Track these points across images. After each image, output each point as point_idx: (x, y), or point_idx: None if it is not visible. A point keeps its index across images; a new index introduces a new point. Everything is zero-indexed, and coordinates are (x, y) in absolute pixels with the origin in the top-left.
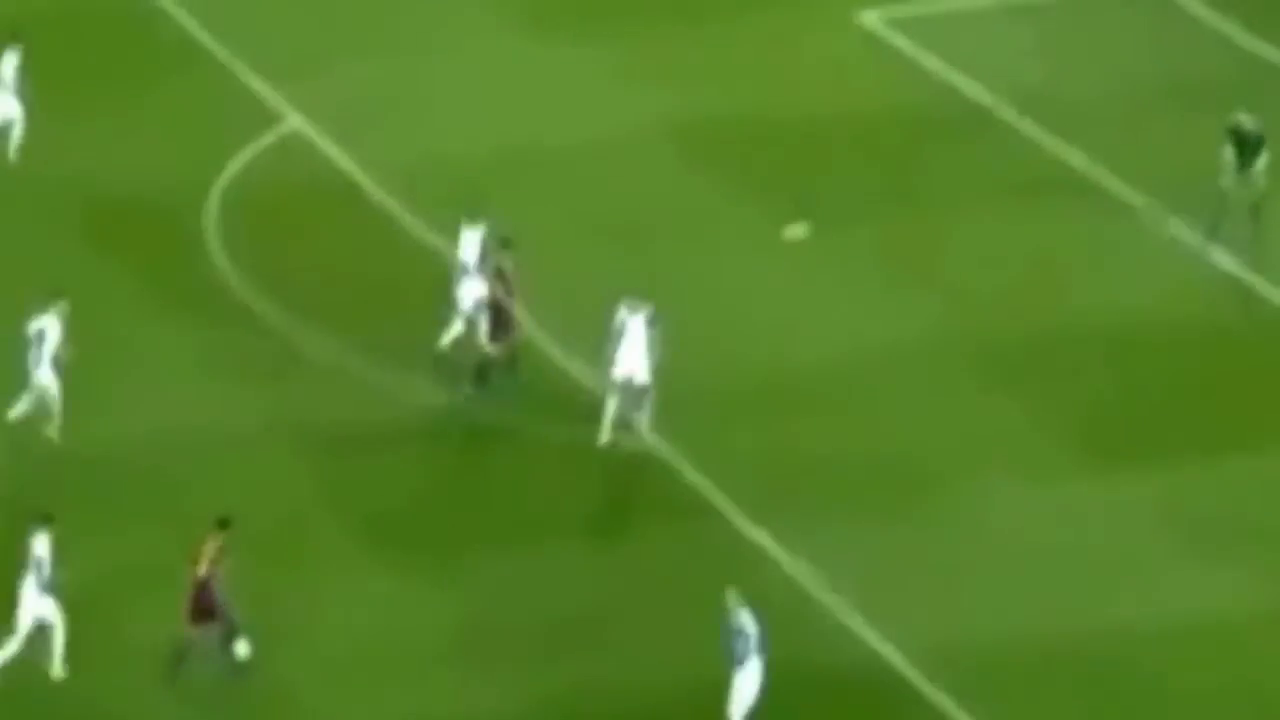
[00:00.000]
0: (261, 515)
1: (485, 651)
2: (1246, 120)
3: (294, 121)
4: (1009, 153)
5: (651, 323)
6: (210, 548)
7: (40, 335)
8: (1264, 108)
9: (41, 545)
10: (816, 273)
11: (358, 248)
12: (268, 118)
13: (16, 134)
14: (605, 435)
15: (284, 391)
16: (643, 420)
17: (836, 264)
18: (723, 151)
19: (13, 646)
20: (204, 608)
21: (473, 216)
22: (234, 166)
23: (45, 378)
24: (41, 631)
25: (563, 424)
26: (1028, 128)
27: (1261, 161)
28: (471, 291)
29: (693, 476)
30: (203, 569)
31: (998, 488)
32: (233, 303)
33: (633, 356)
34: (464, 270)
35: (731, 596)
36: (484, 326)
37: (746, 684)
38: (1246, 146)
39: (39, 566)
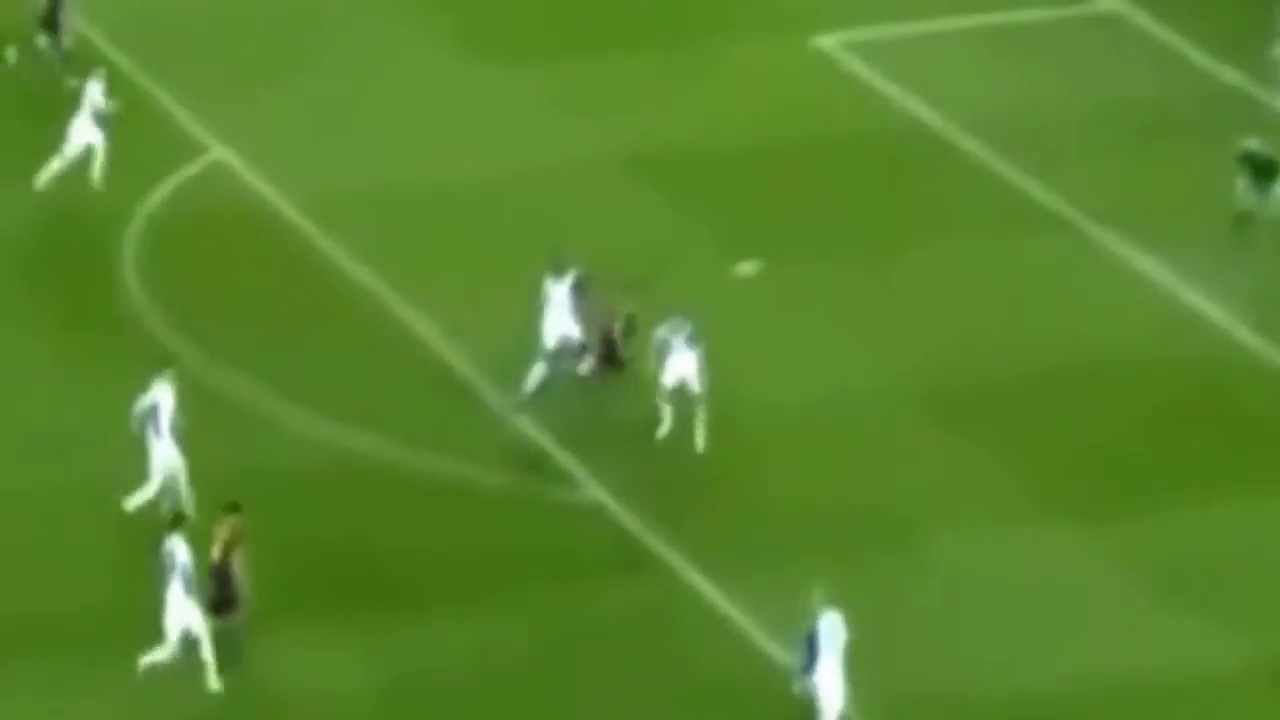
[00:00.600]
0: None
1: (416, 712)
2: (1256, 144)
3: (218, 151)
4: (969, 183)
5: (693, 341)
6: (224, 532)
7: (153, 410)
8: (1226, 134)
9: (179, 548)
10: (768, 311)
11: (281, 281)
12: (191, 147)
13: (99, 162)
14: (664, 429)
15: (197, 433)
16: (699, 431)
17: (790, 302)
18: (671, 183)
19: (164, 653)
20: (225, 596)
21: (559, 269)
22: (155, 198)
23: (168, 455)
24: (189, 641)
25: (504, 473)
26: (987, 156)
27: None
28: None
29: (637, 527)
30: (217, 555)
31: (961, 535)
32: (148, 339)
33: (682, 367)
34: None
35: (816, 595)
36: (590, 359)
37: (827, 687)
38: (1261, 171)
39: (181, 571)
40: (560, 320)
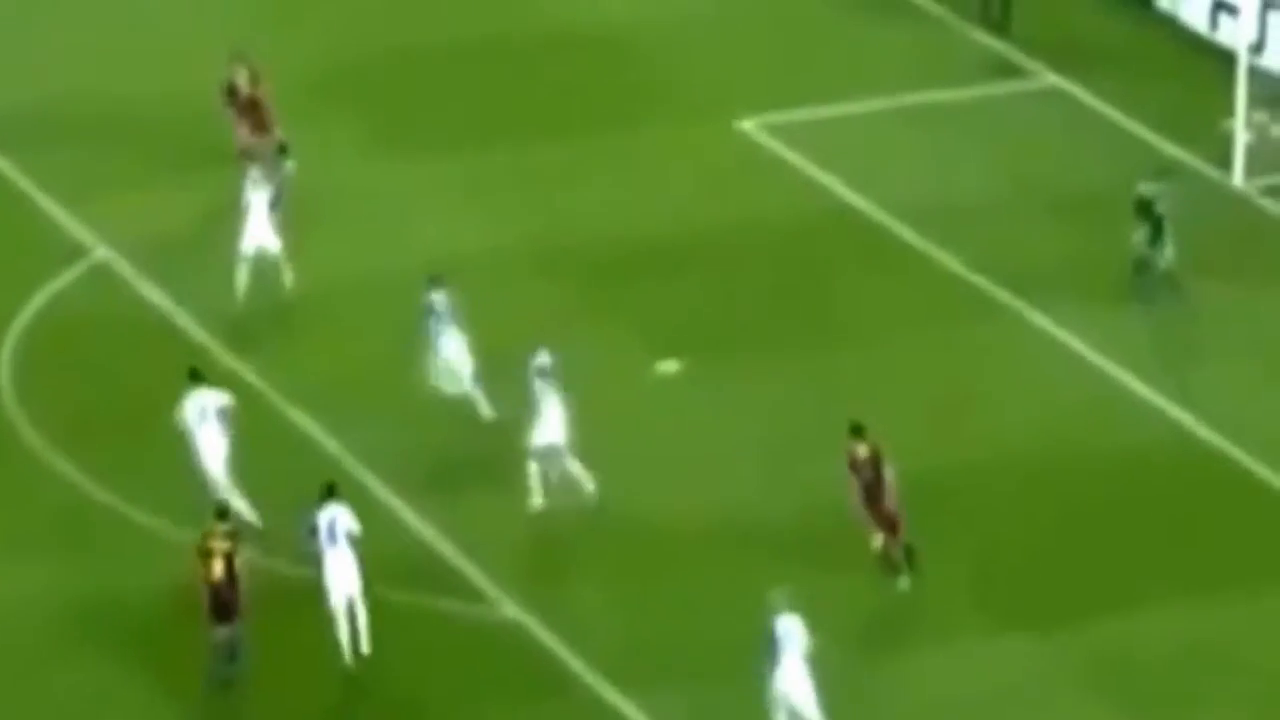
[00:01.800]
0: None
1: None
2: (1152, 189)
3: (101, 253)
4: (899, 269)
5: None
6: (218, 543)
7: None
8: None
9: (340, 516)
10: (690, 411)
11: (171, 392)
12: (72, 250)
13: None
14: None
15: (81, 558)
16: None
17: (713, 400)
18: (590, 276)
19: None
20: (223, 603)
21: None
22: (33, 305)
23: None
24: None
25: (411, 589)
26: (917, 241)
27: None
28: None
29: (549, 641)
30: (221, 570)
31: (905, 650)
32: (25, 458)
33: (553, 420)
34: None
35: (775, 597)
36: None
37: (796, 687)
38: (1155, 219)
39: (339, 536)
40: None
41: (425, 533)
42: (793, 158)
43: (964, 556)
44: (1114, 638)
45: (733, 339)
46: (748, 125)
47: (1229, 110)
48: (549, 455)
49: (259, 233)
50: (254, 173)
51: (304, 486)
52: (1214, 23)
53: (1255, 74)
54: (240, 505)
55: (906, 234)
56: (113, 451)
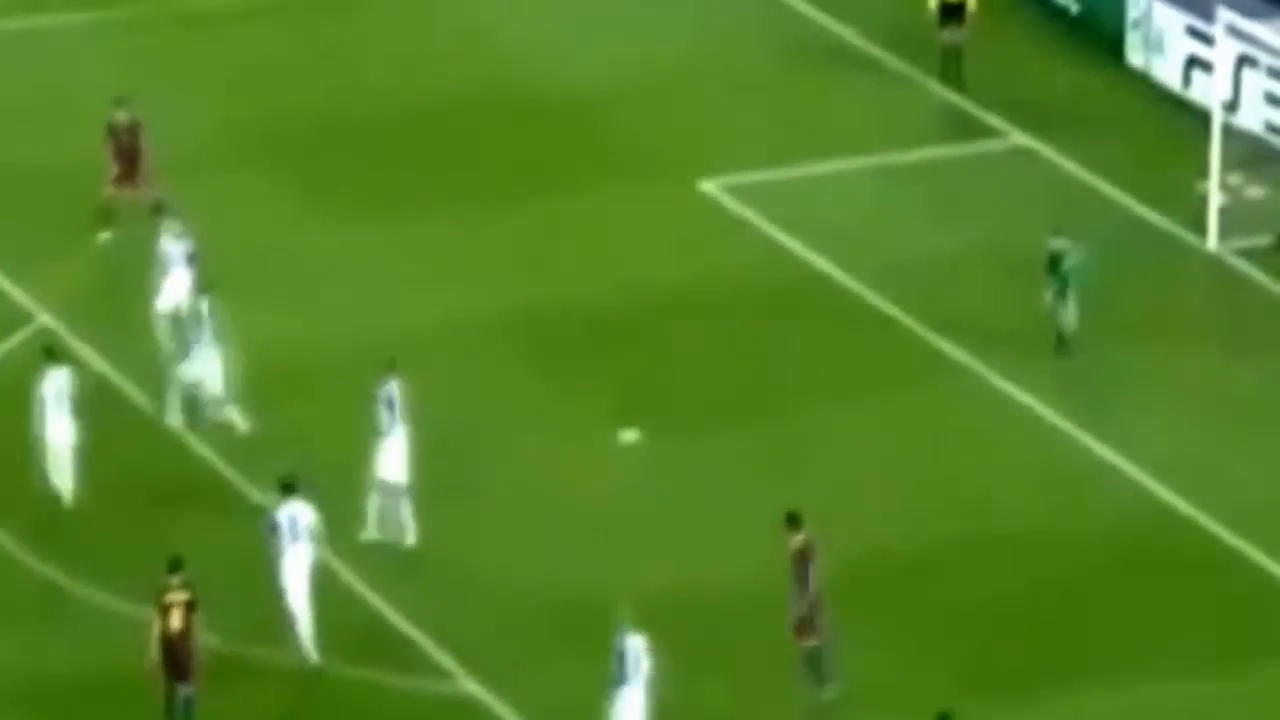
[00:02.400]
0: None
1: None
2: (1062, 244)
3: (44, 319)
4: (865, 332)
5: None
6: (174, 595)
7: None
8: (1141, 272)
9: (301, 513)
10: (652, 480)
11: (117, 458)
12: (14, 317)
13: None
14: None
15: (35, 638)
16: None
17: (674, 469)
18: (549, 341)
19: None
20: (178, 659)
21: None
22: None
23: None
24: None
25: (367, 664)
26: (885, 305)
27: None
28: None
29: (508, 717)
30: (174, 619)
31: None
32: None
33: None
34: None
35: (623, 610)
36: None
37: (627, 709)
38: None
39: (300, 533)
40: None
41: (382, 606)
42: (755, 219)
43: (927, 630)
44: (1085, 713)
45: (696, 405)
46: (709, 186)
47: (1203, 170)
48: (388, 492)
49: (178, 289)
50: (172, 226)
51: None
52: (1187, 80)
53: (1230, 133)
54: (63, 486)
55: (870, 296)
56: (54, 522)
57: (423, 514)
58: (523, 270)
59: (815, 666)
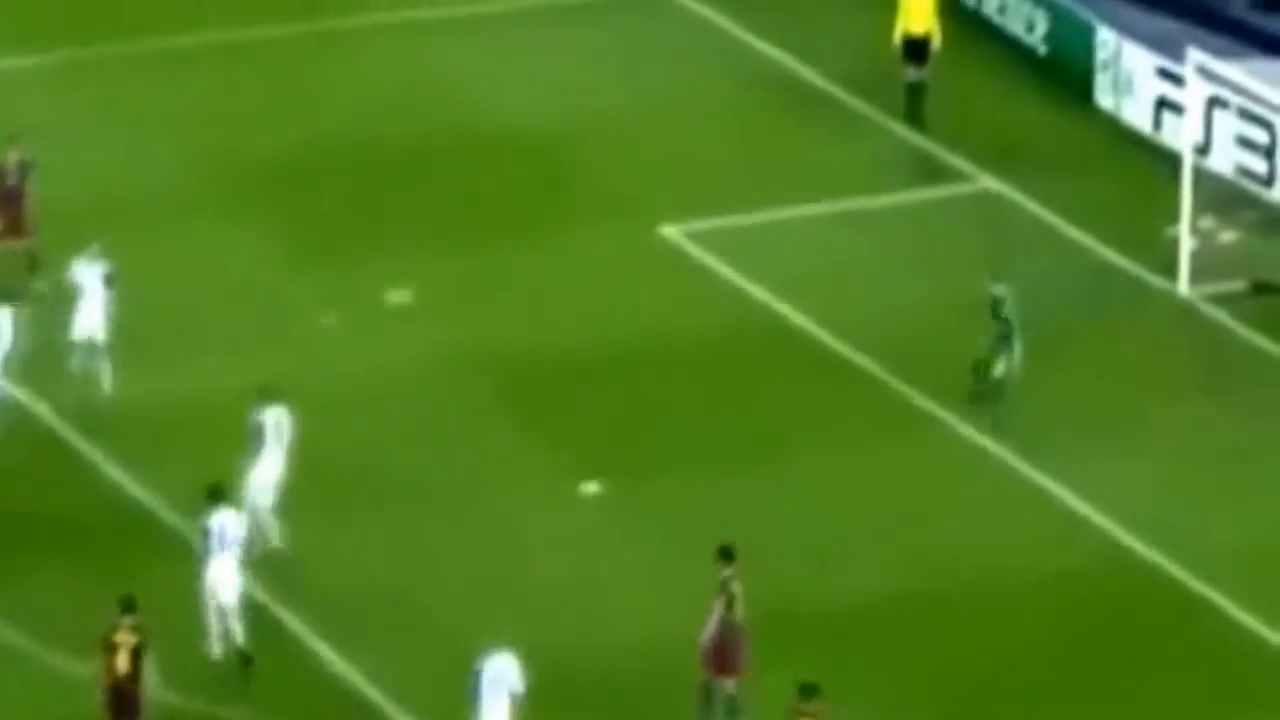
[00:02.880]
0: None
1: None
2: (998, 289)
3: None
4: (831, 381)
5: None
6: (123, 636)
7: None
8: (1110, 317)
9: (229, 523)
10: (613, 533)
11: (58, 509)
12: None
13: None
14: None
15: None
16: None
17: (635, 521)
18: (510, 391)
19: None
20: (125, 701)
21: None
22: None
23: None
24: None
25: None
26: (850, 353)
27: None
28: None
29: None
30: (121, 661)
31: None
32: None
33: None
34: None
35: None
36: None
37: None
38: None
39: (227, 543)
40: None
41: (349, 674)
42: (717, 265)
43: (914, 684)
44: None
45: (656, 455)
46: (671, 231)
47: (1174, 214)
48: (256, 511)
49: (92, 318)
50: (89, 249)
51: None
52: (1157, 122)
53: (1201, 176)
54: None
55: (835, 344)
56: None
57: (381, 559)
58: (481, 315)
59: (728, 703)
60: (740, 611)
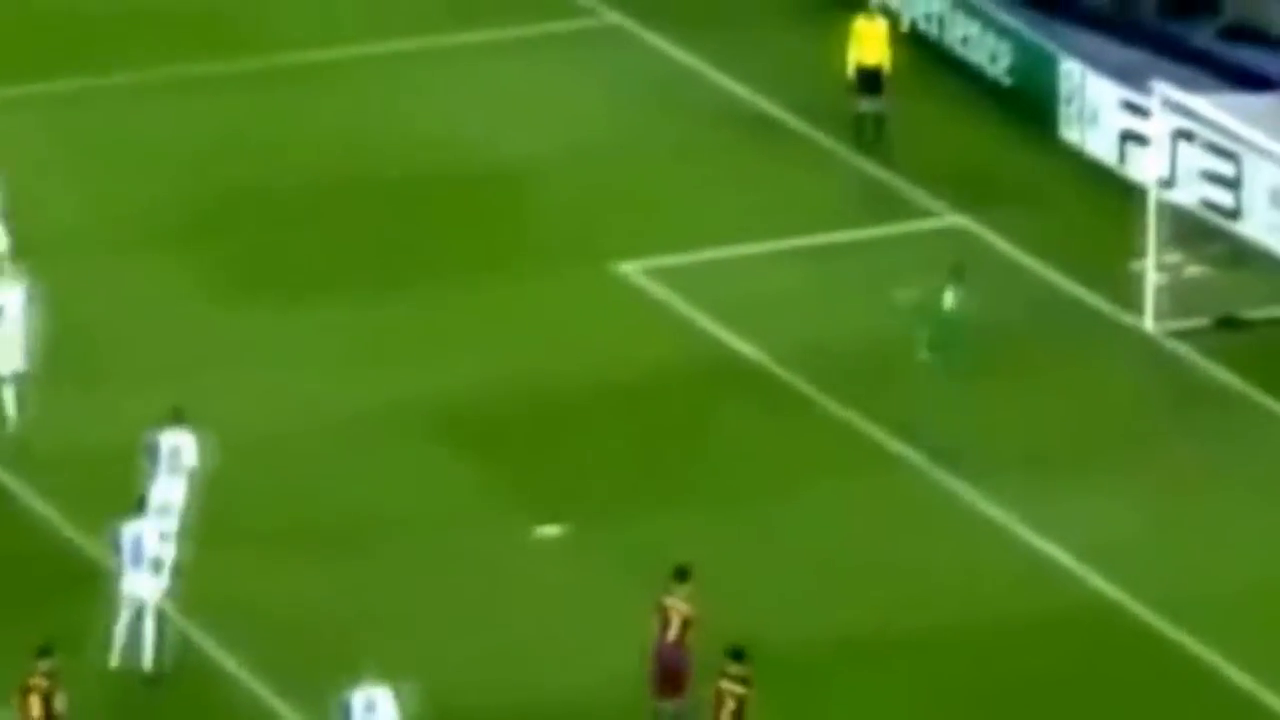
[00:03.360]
0: None
1: None
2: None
3: None
4: (793, 420)
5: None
6: (37, 680)
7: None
8: (1075, 354)
9: (147, 535)
10: (574, 577)
11: None
12: None
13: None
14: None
15: None
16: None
17: (597, 565)
18: (466, 432)
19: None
20: None
21: None
22: None
23: None
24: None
25: None
26: (812, 391)
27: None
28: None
29: None
30: (35, 706)
31: None
32: None
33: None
34: None
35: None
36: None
37: None
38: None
39: (143, 558)
40: None
41: (290, 716)
42: (676, 302)
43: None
44: None
45: (618, 497)
46: (628, 268)
47: (1139, 248)
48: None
49: (11, 343)
50: (9, 270)
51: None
52: (1122, 155)
53: (1166, 210)
54: None
55: (797, 382)
56: None
57: (332, 602)
58: (435, 355)
59: None
60: (675, 633)
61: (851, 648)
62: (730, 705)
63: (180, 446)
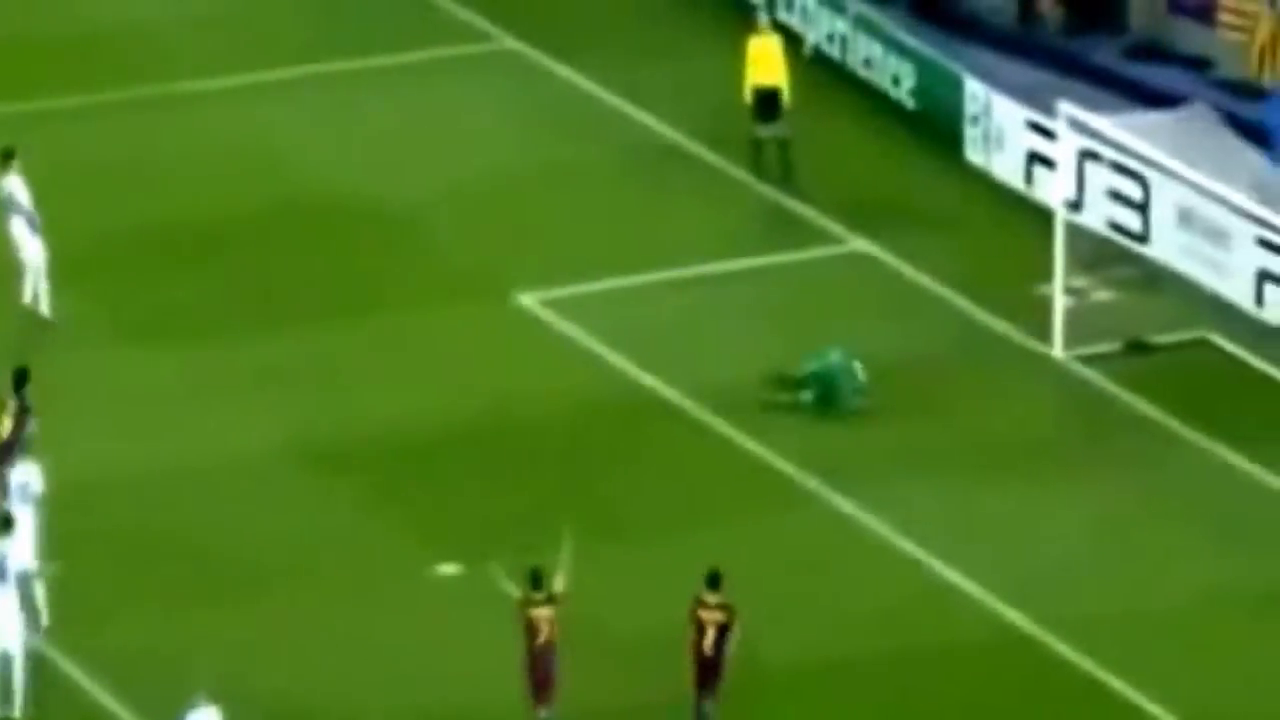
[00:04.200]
0: None
1: None
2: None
3: None
4: (699, 455)
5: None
6: None
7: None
8: (987, 379)
9: (13, 550)
10: (472, 618)
11: None
12: None
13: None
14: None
15: None
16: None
17: (499, 605)
18: (363, 471)
19: None
20: None
21: None
22: None
23: None
24: None
25: None
26: (719, 424)
27: None
28: None
29: None
30: None
31: None
32: None
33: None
34: None
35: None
36: None
37: None
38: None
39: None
40: None
41: None
42: (576, 334)
43: None
44: None
45: (519, 536)
46: (527, 300)
47: (1046, 272)
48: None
49: None
50: None
51: None
52: (1029, 177)
53: (1074, 233)
54: None
55: (703, 415)
56: None
57: (227, 647)
58: (329, 392)
59: None
60: (545, 638)
61: (767, 677)
62: (711, 634)
63: (29, 482)
